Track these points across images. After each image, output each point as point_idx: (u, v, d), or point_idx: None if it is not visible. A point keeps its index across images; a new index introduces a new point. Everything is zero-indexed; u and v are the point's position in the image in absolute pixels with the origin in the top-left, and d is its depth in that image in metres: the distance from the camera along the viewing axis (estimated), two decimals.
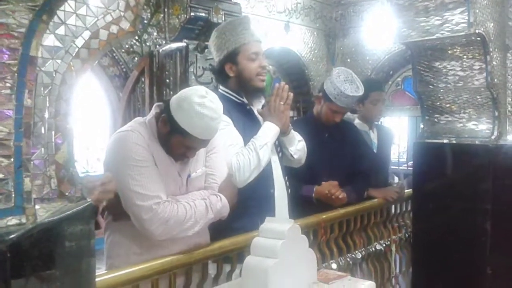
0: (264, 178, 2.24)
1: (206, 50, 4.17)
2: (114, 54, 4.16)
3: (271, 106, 2.24)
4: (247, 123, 2.26)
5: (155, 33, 4.23)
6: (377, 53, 5.51)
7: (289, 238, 1.58)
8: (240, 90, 2.29)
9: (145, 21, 4.17)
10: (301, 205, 2.53)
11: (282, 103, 2.23)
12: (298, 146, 2.41)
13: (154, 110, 1.94)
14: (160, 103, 1.97)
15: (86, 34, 0.94)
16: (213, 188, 1.97)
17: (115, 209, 1.79)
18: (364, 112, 3.32)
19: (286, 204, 2.35)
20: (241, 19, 2.40)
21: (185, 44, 4.08)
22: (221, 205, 1.91)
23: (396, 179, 4.23)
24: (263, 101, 2.37)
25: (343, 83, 2.69)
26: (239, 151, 2.14)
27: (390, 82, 5.98)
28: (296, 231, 1.64)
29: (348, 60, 5.62)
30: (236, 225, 2.11)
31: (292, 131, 2.37)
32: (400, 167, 6.31)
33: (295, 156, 2.40)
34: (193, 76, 4.15)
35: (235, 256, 2.04)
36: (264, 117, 2.26)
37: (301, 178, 2.59)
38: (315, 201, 2.68)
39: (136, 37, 4.16)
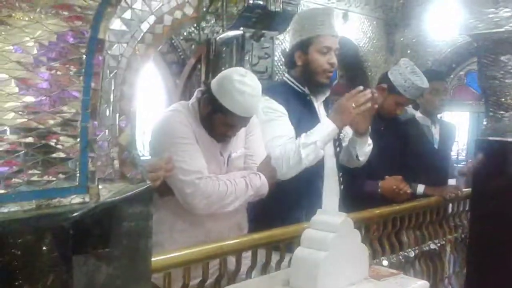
0: (312, 172, 2.20)
1: (262, 39, 4.16)
2: (173, 41, 4.22)
3: (339, 104, 2.11)
4: (304, 113, 2.23)
5: (213, 21, 4.26)
6: (440, 45, 5.28)
7: (341, 232, 1.55)
8: (304, 80, 2.26)
9: (204, 9, 4.20)
10: (356, 200, 2.46)
11: (354, 105, 2.06)
12: (366, 149, 2.34)
13: (196, 95, 2.01)
14: (201, 88, 2.02)
15: (151, 19, 0.96)
16: (252, 168, 2.01)
17: (161, 185, 1.85)
18: (424, 104, 3.21)
19: (337, 200, 2.31)
20: (324, 9, 2.43)
21: (241, 32, 4.08)
22: (260, 183, 1.95)
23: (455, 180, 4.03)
24: (327, 94, 2.33)
25: (412, 75, 2.62)
26: (285, 142, 2.09)
27: (452, 76, 5.74)
28: (348, 225, 1.61)
29: (409, 51, 5.42)
30: (279, 216, 2.11)
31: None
32: (459, 165, 6.07)
33: (361, 159, 2.34)
34: (248, 65, 4.15)
35: (284, 247, 2.04)
36: (330, 113, 2.18)
37: (355, 173, 2.53)
38: (379, 197, 2.62)
39: (195, 25, 4.21)
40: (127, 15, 0.93)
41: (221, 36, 4.12)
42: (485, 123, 2.91)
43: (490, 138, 2.79)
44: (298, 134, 2.15)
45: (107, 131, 0.90)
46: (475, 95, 5.46)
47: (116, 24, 0.93)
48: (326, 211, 1.82)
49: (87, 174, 0.89)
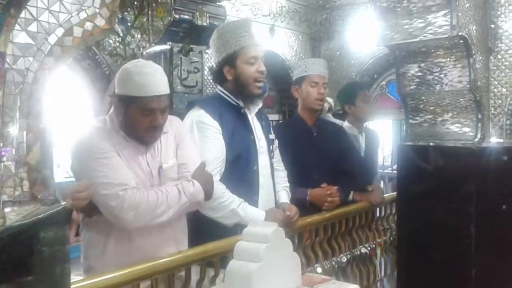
0: (248, 184, 2.22)
1: (190, 53, 4.14)
2: (97, 57, 4.09)
3: (274, 214, 2.22)
4: (237, 126, 2.25)
5: (138, 36, 4.18)
6: (362, 56, 5.53)
7: (273, 242, 1.55)
8: (237, 93, 2.28)
9: (129, 24, 4.12)
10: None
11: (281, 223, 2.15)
12: None
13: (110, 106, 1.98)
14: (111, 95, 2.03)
15: (60, 31, 0.91)
16: (187, 177, 1.95)
17: (87, 205, 1.77)
18: (356, 112, 3.35)
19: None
20: (242, 21, 2.43)
21: (169, 46, 4.04)
22: (194, 189, 1.89)
23: (382, 183, 4.24)
24: (260, 105, 2.37)
25: (303, 60, 3.05)
26: (221, 172, 2.14)
27: (374, 86, 6.00)
28: (280, 235, 1.61)
29: (333, 63, 5.62)
30: (220, 230, 2.10)
31: None
32: (385, 170, 6.34)
33: None
34: (177, 79, 4.11)
35: (218, 261, 2.01)
36: (270, 212, 2.23)
37: (289, 179, 2.57)
38: (308, 204, 2.66)
39: (119, 40, 4.11)
40: (33, 27, 0.88)
41: (148, 50, 4.06)
42: (405, 129, 3.05)
43: (411, 143, 2.92)
44: (232, 147, 2.18)
45: (13, 150, 0.84)
46: (396, 103, 5.74)
47: (21, 37, 0.87)
48: (258, 222, 1.82)
49: None
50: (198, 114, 2.19)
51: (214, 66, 2.36)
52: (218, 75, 2.31)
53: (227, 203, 2.09)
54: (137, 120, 1.83)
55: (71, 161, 1.88)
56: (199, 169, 1.98)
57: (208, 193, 1.96)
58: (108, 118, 1.91)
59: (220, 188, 2.08)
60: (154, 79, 1.83)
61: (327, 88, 2.91)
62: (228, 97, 2.30)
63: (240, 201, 2.13)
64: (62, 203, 0.93)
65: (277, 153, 2.49)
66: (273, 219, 2.11)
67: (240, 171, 2.21)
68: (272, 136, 2.44)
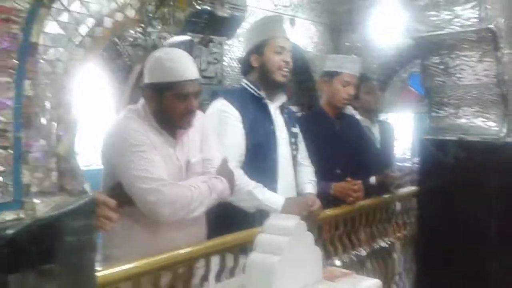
0: (268, 173, 2.23)
1: (210, 44, 4.13)
2: (118, 47, 4.11)
3: (299, 202, 2.22)
4: (258, 116, 2.28)
5: (159, 26, 4.19)
6: (384, 48, 5.45)
7: (294, 235, 1.55)
8: (261, 83, 2.33)
9: (150, 14, 4.12)
10: None
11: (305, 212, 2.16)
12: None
13: (142, 96, 1.96)
14: (141, 86, 1.99)
15: (90, 22, 0.91)
16: (211, 173, 1.96)
17: (119, 195, 1.77)
18: (362, 104, 3.33)
19: None
20: (274, 16, 2.61)
21: (189, 37, 4.03)
22: (222, 186, 1.90)
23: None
24: (284, 99, 2.41)
25: (338, 56, 2.94)
26: (240, 160, 2.16)
27: (395, 78, 5.93)
28: (302, 228, 1.60)
29: (353, 55, 5.56)
30: (233, 221, 2.12)
31: None
32: (405, 164, 6.27)
33: None
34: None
35: (238, 252, 2.02)
36: (291, 200, 2.21)
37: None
38: (331, 198, 2.65)
39: (141, 30, 4.12)
40: (64, 17, 0.88)
41: (169, 41, 4.06)
42: (429, 123, 3.01)
43: (435, 137, 2.89)
44: (251, 136, 2.20)
45: (44, 141, 0.84)
46: (417, 96, 5.66)
47: (52, 27, 0.87)
48: (279, 214, 1.82)
49: (21, 188, 0.82)
50: (220, 104, 2.25)
51: (243, 56, 2.42)
52: (245, 64, 2.38)
53: (244, 185, 2.11)
54: (173, 106, 1.84)
55: (103, 149, 1.83)
56: (223, 166, 1.99)
57: (232, 191, 1.98)
58: (141, 107, 1.91)
59: (237, 173, 2.08)
60: (187, 64, 1.86)
61: (356, 89, 2.88)
62: (251, 88, 2.34)
63: (257, 185, 2.15)
64: (90, 194, 0.94)
65: (303, 148, 2.49)
66: (293, 206, 2.12)
67: (259, 159, 2.23)
68: (295, 129, 2.45)
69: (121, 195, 1.75)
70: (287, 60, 2.30)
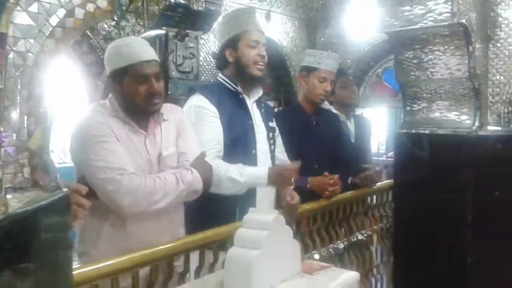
0: None
1: (186, 39, 4.08)
2: (91, 41, 4.02)
3: (283, 172, 2.22)
4: (236, 111, 2.27)
5: (133, 20, 4.12)
6: (358, 44, 5.49)
7: (273, 229, 1.55)
8: (237, 78, 2.31)
9: (123, 7, 4.05)
10: None
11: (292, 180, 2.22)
12: None
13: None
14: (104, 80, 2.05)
15: (61, 13, 0.88)
16: (186, 166, 1.94)
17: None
18: (338, 99, 3.36)
19: (272, 195, 2.33)
20: (247, 9, 2.55)
21: (164, 31, 3.98)
22: (192, 177, 1.88)
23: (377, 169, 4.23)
24: (260, 93, 2.40)
25: (318, 51, 2.93)
26: (218, 156, 2.15)
27: (370, 74, 5.98)
28: (280, 222, 1.60)
29: (329, 50, 5.57)
30: (212, 217, 2.10)
31: None
32: (380, 158, 6.35)
33: None
34: (173, 65, 4.06)
35: (217, 248, 2.01)
36: (274, 175, 2.20)
37: None
38: (308, 192, 2.66)
39: (114, 24, 4.05)
40: (34, 8, 0.85)
41: (143, 35, 3.99)
42: (403, 117, 3.04)
43: (408, 131, 2.92)
44: (229, 131, 2.19)
45: (14, 135, 0.82)
46: (392, 91, 5.73)
47: (21, 18, 0.85)
48: (258, 209, 1.81)
49: None
50: (197, 99, 2.23)
51: (217, 50, 2.43)
52: (220, 58, 2.36)
53: (223, 173, 2.10)
54: (134, 90, 1.83)
55: (70, 145, 1.86)
56: (199, 158, 1.97)
57: (207, 183, 1.95)
58: (109, 102, 1.91)
59: (214, 163, 2.07)
60: (142, 46, 1.88)
61: (333, 84, 2.91)
62: (228, 83, 2.32)
63: (237, 167, 2.14)
64: (64, 190, 0.91)
65: (280, 143, 2.49)
66: (279, 175, 2.17)
67: (238, 154, 2.22)
68: (272, 124, 2.45)
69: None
70: (262, 54, 2.29)
